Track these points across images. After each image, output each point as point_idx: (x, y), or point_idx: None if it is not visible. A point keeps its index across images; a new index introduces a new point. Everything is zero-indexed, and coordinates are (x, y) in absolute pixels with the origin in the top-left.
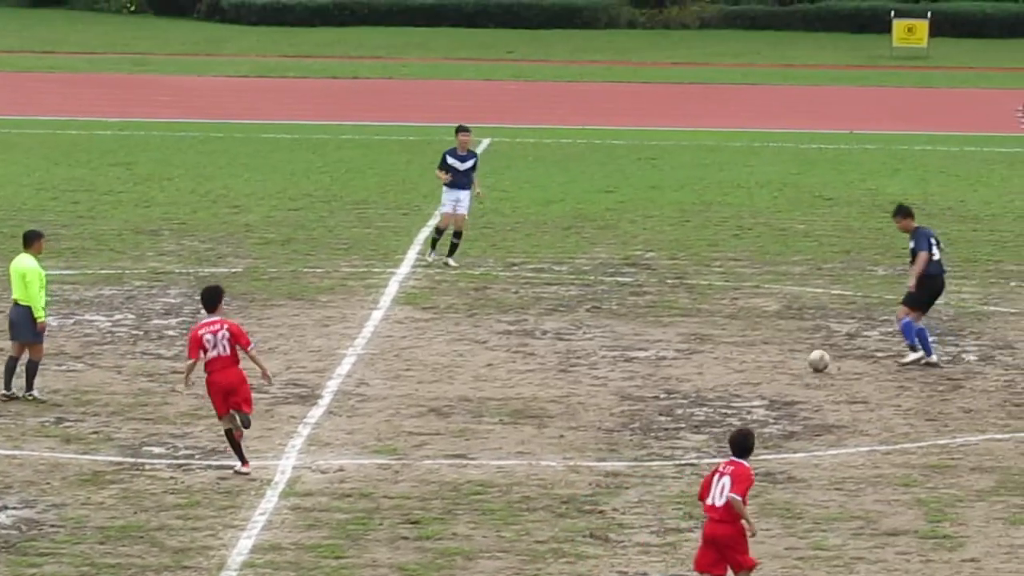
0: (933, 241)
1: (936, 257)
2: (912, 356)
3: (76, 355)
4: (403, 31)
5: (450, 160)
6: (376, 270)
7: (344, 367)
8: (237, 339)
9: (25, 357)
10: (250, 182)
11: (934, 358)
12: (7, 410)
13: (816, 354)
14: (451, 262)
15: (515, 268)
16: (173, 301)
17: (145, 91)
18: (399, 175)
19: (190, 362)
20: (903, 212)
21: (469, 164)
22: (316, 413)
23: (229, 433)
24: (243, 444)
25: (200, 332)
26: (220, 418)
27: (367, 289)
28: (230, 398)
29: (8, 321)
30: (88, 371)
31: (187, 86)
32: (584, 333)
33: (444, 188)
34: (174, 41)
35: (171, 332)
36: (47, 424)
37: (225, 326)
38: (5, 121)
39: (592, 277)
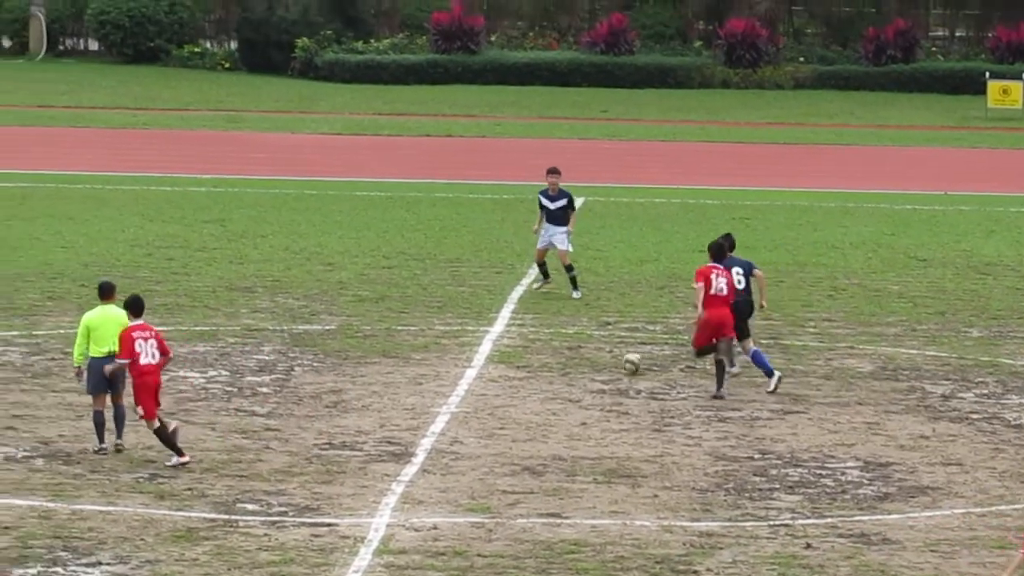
0: (737, 271)
1: (740, 287)
2: (773, 381)
3: (170, 411)
4: (497, 89)
5: (543, 200)
6: (470, 328)
7: (438, 425)
8: (162, 347)
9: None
10: (344, 240)
11: (736, 369)
12: (101, 466)
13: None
14: (575, 295)
15: (609, 327)
16: (267, 358)
17: (239, 148)
18: (493, 233)
19: (125, 362)
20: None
21: (560, 203)
22: (410, 471)
23: (160, 432)
24: (332, 499)
25: (134, 335)
26: (149, 420)
27: (461, 347)
28: (157, 396)
29: (105, 374)
30: (182, 427)
31: (281, 143)
32: (678, 393)
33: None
34: (268, 98)
35: (264, 389)
36: (141, 480)
37: (152, 332)
38: (99, 177)
39: (686, 337)
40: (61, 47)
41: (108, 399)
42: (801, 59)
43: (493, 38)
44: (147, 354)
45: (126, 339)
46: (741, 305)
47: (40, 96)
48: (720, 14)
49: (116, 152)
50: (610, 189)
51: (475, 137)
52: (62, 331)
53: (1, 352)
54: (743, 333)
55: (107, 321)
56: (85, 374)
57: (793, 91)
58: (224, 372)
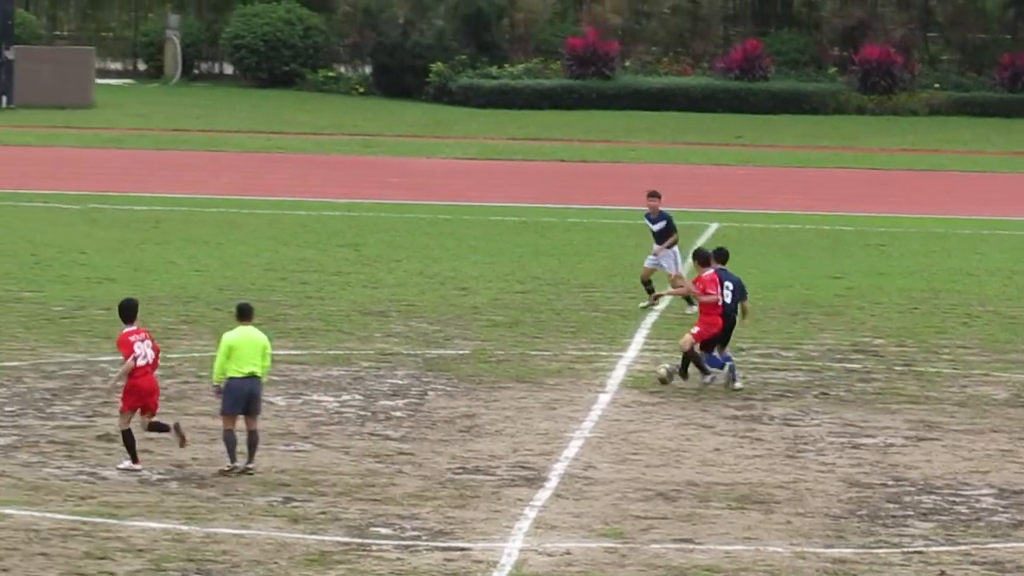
0: (728, 284)
1: (728, 301)
2: (738, 383)
3: (304, 435)
4: (631, 115)
5: (647, 222)
6: (603, 353)
7: (571, 450)
8: (154, 346)
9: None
10: (478, 264)
11: (707, 379)
12: (235, 489)
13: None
14: (688, 311)
15: (743, 353)
16: (400, 382)
17: (373, 172)
18: (626, 259)
19: (129, 364)
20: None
21: (660, 226)
22: (543, 496)
23: (126, 434)
24: (465, 524)
25: (131, 338)
26: (123, 413)
27: (594, 372)
28: (147, 400)
29: (247, 395)
30: (316, 451)
31: (415, 168)
32: (811, 419)
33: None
34: (402, 123)
35: (398, 413)
36: (275, 504)
37: (146, 334)
38: (233, 201)
39: (820, 363)
40: (196, 71)
41: (241, 422)
42: (936, 85)
43: (627, 63)
44: (143, 356)
45: (125, 342)
46: (729, 318)
47: (175, 120)
48: (855, 40)
49: (250, 176)
50: (744, 215)
51: (609, 162)
52: (196, 354)
53: None
54: (726, 342)
55: (248, 342)
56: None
57: (928, 117)
58: (358, 396)
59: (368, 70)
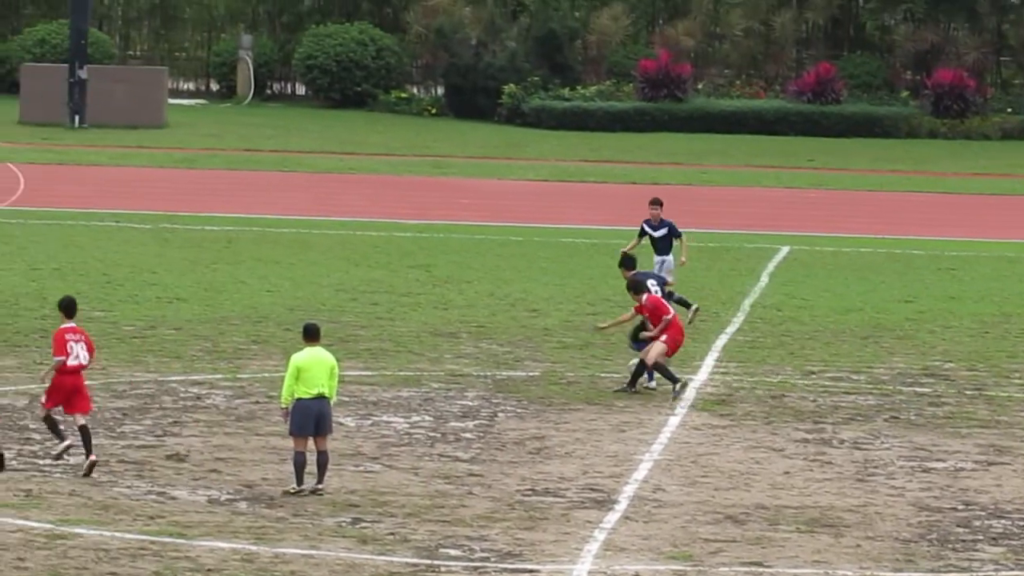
0: (652, 283)
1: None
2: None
3: (373, 456)
4: (703, 137)
5: (646, 228)
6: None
7: (641, 472)
8: (89, 349)
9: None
10: (548, 286)
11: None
12: (304, 509)
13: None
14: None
15: (813, 376)
16: (470, 404)
17: (445, 193)
18: (697, 281)
19: (59, 359)
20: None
21: (662, 232)
22: (612, 518)
23: (49, 418)
24: (534, 545)
25: (66, 336)
26: (47, 407)
27: (664, 395)
28: (70, 398)
29: (315, 416)
30: (385, 472)
31: (487, 189)
32: (882, 443)
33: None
34: (474, 144)
35: (468, 435)
36: (344, 524)
37: (82, 335)
38: (305, 222)
39: (890, 387)
40: (268, 91)
41: (311, 443)
42: (1009, 110)
43: (700, 86)
44: (75, 355)
45: (59, 339)
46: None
47: (247, 140)
48: (928, 64)
49: (322, 196)
50: (816, 238)
51: (681, 185)
52: (266, 375)
53: (206, 395)
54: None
55: (316, 363)
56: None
57: (1000, 141)
58: (428, 417)
59: (440, 91)
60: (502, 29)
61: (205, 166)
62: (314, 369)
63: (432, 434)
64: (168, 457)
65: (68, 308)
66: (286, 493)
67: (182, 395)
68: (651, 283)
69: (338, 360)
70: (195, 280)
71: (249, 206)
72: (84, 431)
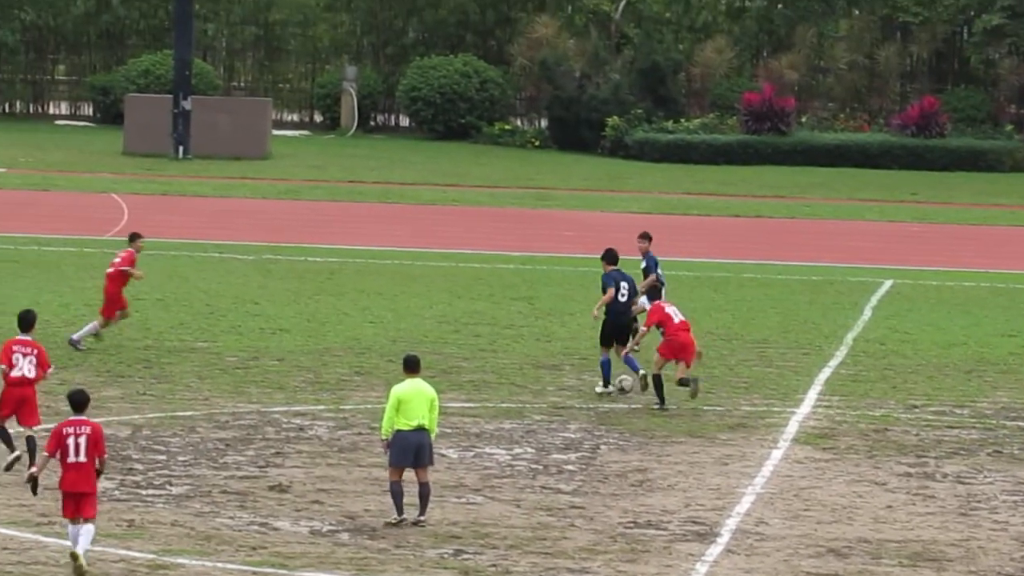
0: (624, 285)
1: (623, 299)
2: (601, 387)
3: (475, 488)
4: (806, 171)
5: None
6: (776, 409)
7: (743, 506)
8: (41, 364)
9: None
10: None
11: (610, 388)
12: (406, 541)
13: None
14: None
15: (916, 410)
16: (573, 436)
17: (548, 226)
18: (801, 315)
19: (2, 367)
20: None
21: (643, 265)
22: (714, 551)
23: (2, 430)
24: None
25: (14, 348)
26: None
27: (767, 428)
28: (17, 410)
29: (415, 447)
30: (487, 504)
31: (590, 221)
32: (985, 477)
33: None
34: (577, 176)
35: (570, 467)
36: (446, 556)
37: (34, 349)
38: (408, 253)
39: (994, 421)
40: (372, 123)
41: (410, 474)
42: None
43: (803, 119)
44: (21, 367)
45: (6, 349)
46: (626, 317)
47: (350, 172)
48: None
49: (425, 228)
50: (919, 272)
51: (784, 218)
52: (369, 406)
53: (308, 426)
54: (625, 340)
55: (416, 395)
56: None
57: None
58: (530, 449)
59: (544, 123)
60: (606, 61)
61: (308, 197)
62: (414, 401)
63: (534, 466)
64: (271, 488)
65: (23, 322)
66: (388, 524)
67: (285, 426)
68: (622, 285)
69: (440, 392)
70: (298, 311)
71: (352, 237)
72: (30, 441)
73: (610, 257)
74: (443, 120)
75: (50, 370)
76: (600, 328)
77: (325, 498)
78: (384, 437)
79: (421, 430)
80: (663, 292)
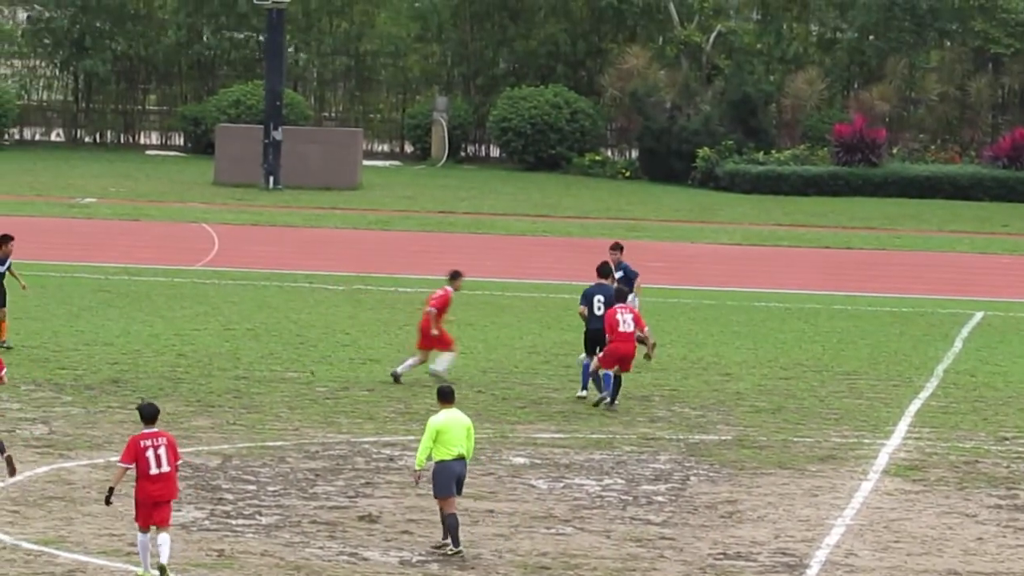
0: (599, 299)
1: (599, 313)
2: (583, 392)
3: (565, 519)
4: (897, 202)
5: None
6: (866, 441)
7: (833, 537)
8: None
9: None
10: (741, 350)
11: (584, 393)
12: (496, 571)
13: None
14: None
15: (1007, 442)
16: (663, 467)
17: (638, 256)
18: (891, 346)
19: None
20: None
21: (619, 274)
22: None
23: None
24: None
25: None
26: None
27: (856, 460)
28: None
29: (457, 476)
30: (577, 535)
31: (680, 252)
32: None
33: None
34: (667, 207)
35: (660, 498)
36: None
37: None
38: (498, 284)
39: None
40: (463, 153)
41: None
42: None
43: (894, 151)
44: None
45: None
46: (599, 332)
47: (441, 202)
48: None
49: (516, 259)
50: (1010, 304)
51: (874, 250)
52: None
53: (398, 456)
54: (594, 351)
55: (454, 425)
56: (422, 478)
57: None
58: (620, 480)
59: (634, 154)
60: (697, 93)
61: (399, 228)
62: (453, 431)
63: (624, 497)
64: (360, 518)
65: None
66: (445, 555)
67: (375, 456)
68: (597, 299)
69: (530, 422)
70: (388, 341)
71: (443, 268)
72: None
73: (602, 271)
74: (533, 151)
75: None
76: (583, 338)
77: (415, 528)
78: (418, 468)
79: (461, 459)
80: (630, 298)
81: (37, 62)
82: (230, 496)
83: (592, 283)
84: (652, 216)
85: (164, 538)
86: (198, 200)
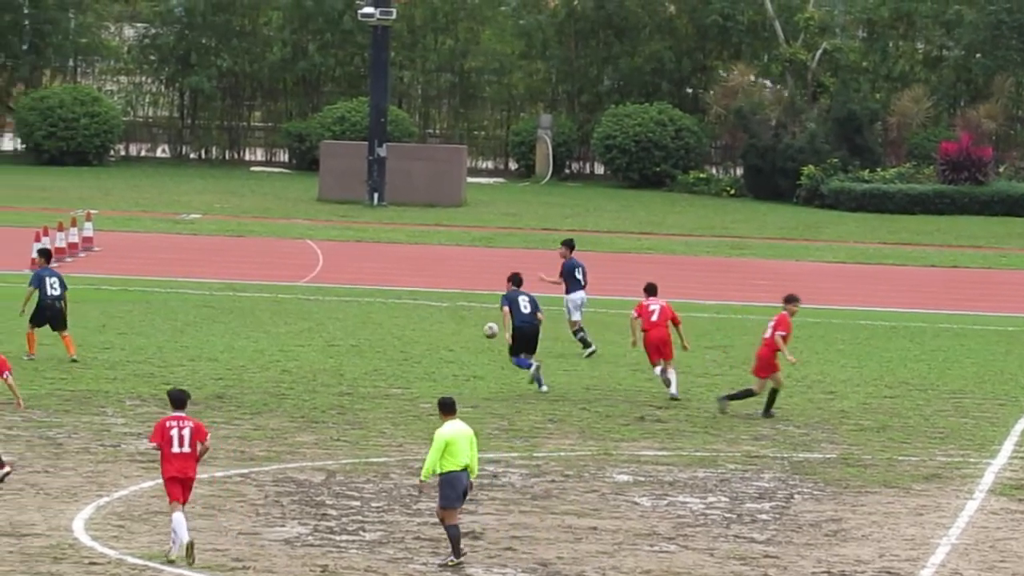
0: (523, 299)
1: (526, 312)
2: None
3: (668, 536)
4: (1004, 221)
5: (546, 277)
6: (972, 460)
7: (937, 556)
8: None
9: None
10: (846, 368)
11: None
12: None
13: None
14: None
15: None
16: (767, 485)
17: (742, 274)
18: (997, 365)
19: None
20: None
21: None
22: None
23: None
24: None
25: None
26: None
27: (962, 479)
28: None
29: (464, 487)
30: (680, 552)
31: (784, 270)
32: None
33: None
34: (772, 226)
35: (764, 516)
36: None
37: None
38: (602, 301)
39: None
40: (567, 171)
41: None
42: None
43: (1001, 169)
44: None
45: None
46: (531, 326)
47: (545, 219)
48: None
49: (619, 276)
50: None
51: (980, 268)
52: (563, 453)
53: (501, 473)
54: (535, 347)
55: (461, 436)
56: (429, 489)
57: None
58: (723, 498)
59: (739, 172)
60: (802, 110)
61: (503, 245)
62: (460, 442)
63: (728, 515)
64: (463, 535)
65: None
66: (444, 566)
67: (478, 473)
68: (522, 299)
69: (633, 440)
70: (491, 358)
71: (544, 285)
72: None
73: (515, 280)
74: (638, 168)
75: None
76: (511, 339)
77: (518, 545)
78: (425, 479)
79: (467, 470)
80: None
81: (143, 78)
82: (334, 512)
83: (510, 290)
84: (757, 234)
85: (180, 516)
86: (302, 216)
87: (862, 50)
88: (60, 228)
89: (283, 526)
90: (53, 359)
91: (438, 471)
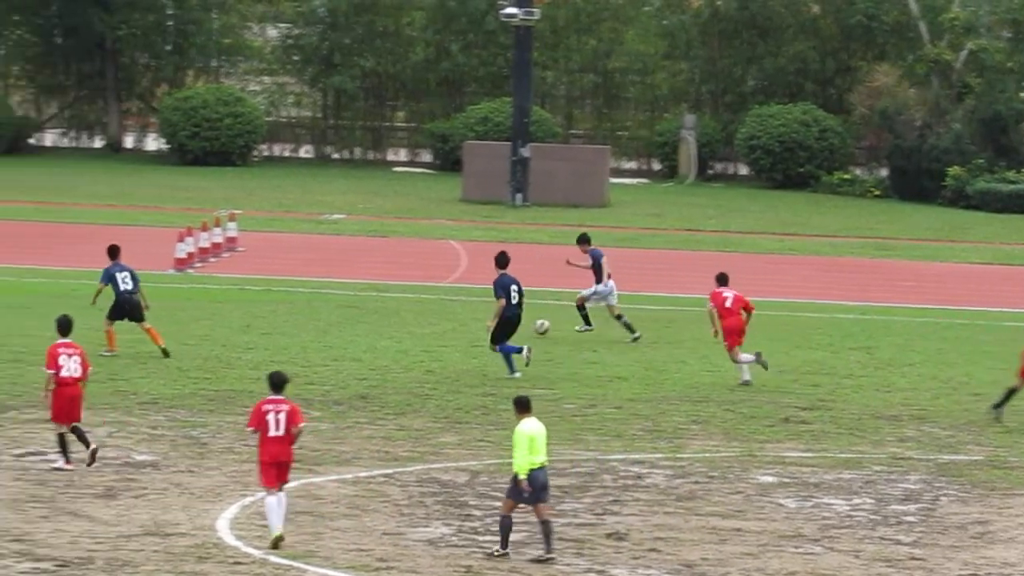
0: (514, 288)
1: (514, 301)
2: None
3: (814, 538)
4: None
5: (573, 260)
6: None
7: None
8: (84, 363)
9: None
10: (992, 370)
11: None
12: None
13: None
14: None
15: None
16: (913, 487)
17: (887, 276)
18: None
19: (49, 372)
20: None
21: (587, 263)
22: None
23: (61, 436)
24: None
25: (59, 351)
26: (55, 423)
27: None
28: (72, 412)
29: (542, 483)
30: (826, 554)
31: (930, 272)
32: None
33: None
34: (918, 227)
35: (910, 518)
36: None
37: (77, 350)
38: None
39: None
40: (710, 171)
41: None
42: None
43: None
44: (68, 368)
45: (51, 353)
46: (519, 317)
47: (688, 220)
48: None
49: (763, 277)
50: None
51: None
52: (707, 455)
53: (646, 474)
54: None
55: (540, 433)
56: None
57: None
58: (869, 500)
59: (884, 173)
60: (947, 111)
61: (646, 246)
62: (539, 439)
63: (873, 517)
64: (608, 536)
65: (61, 327)
66: (489, 556)
67: (622, 474)
68: (512, 288)
69: (778, 441)
70: (635, 359)
71: (690, 286)
72: (76, 430)
73: (501, 262)
74: (782, 169)
75: (90, 369)
76: (496, 325)
77: (662, 546)
78: (523, 476)
79: (544, 467)
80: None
81: (286, 79)
82: (477, 512)
83: (500, 274)
84: (902, 235)
85: (280, 499)
86: (445, 217)
87: (1007, 50)
88: (204, 228)
89: (427, 526)
90: (197, 359)
91: (517, 468)
